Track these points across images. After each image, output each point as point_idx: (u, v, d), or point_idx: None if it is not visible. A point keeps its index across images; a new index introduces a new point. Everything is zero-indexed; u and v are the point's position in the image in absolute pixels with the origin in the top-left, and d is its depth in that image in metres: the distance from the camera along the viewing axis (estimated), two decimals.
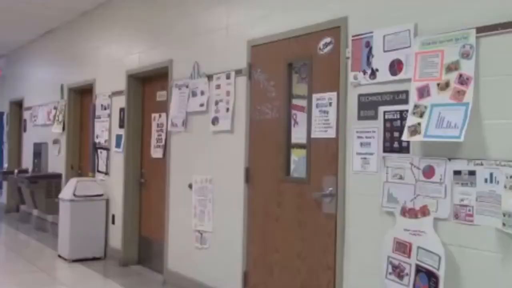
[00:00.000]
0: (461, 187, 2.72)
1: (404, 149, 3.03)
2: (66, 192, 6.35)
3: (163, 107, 5.58)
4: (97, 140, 6.81)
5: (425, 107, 2.85)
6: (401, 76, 3.06)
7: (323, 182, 3.55)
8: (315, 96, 3.67)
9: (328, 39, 3.58)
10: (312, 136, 3.68)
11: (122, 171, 6.15)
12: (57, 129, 7.97)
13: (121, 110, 6.26)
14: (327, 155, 3.54)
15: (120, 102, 6.27)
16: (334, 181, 3.47)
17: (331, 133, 3.53)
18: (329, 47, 3.57)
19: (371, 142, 3.23)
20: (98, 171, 6.73)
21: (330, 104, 3.54)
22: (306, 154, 3.75)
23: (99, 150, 6.74)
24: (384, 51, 3.17)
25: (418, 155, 2.95)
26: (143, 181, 6.09)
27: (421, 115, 2.85)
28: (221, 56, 4.63)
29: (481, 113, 2.66)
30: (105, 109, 6.65)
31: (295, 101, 3.91)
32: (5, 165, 10.60)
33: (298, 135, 3.85)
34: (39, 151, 8.63)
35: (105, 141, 6.60)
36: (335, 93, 3.50)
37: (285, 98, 3.95)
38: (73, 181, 6.43)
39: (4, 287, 5.19)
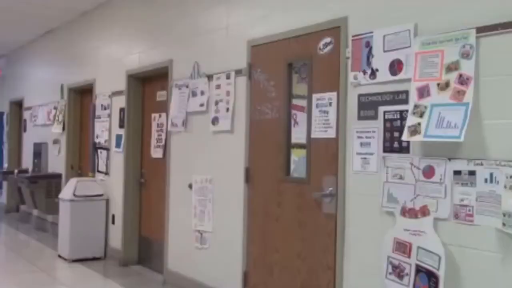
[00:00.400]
0: (461, 187, 2.72)
1: (404, 149, 3.03)
2: (66, 192, 6.35)
3: (163, 107, 5.58)
4: (97, 140, 6.81)
5: (425, 107, 2.85)
6: (401, 76, 3.06)
7: (323, 182, 3.55)
8: (315, 96, 3.67)
9: (328, 39, 3.58)
10: (312, 136, 3.68)
11: (122, 171, 6.15)
12: (57, 129, 7.97)
13: (121, 110, 6.26)
14: (327, 155, 3.54)
15: (120, 102, 6.27)
16: (334, 181, 3.47)
17: (331, 133, 3.53)
18: (329, 47, 3.57)
19: (371, 142, 3.23)
20: (98, 171, 6.73)
21: (330, 104, 3.54)
22: (306, 154, 3.75)
23: (99, 150, 6.74)
24: (384, 51, 3.17)
25: (418, 155, 2.95)
26: (143, 181, 6.09)
27: (421, 115, 2.86)
28: (221, 56, 4.63)
29: (481, 113, 2.66)
30: (105, 109, 6.65)
31: (295, 101, 3.91)
32: (5, 165, 10.60)
33: (298, 135, 3.85)
34: (39, 151, 8.63)
35: (105, 141, 6.60)
36: (335, 93, 3.50)
37: (285, 98, 3.95)
38: (73, 181, 6.43)
39: (4, 287, 5.19)
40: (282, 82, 3.96)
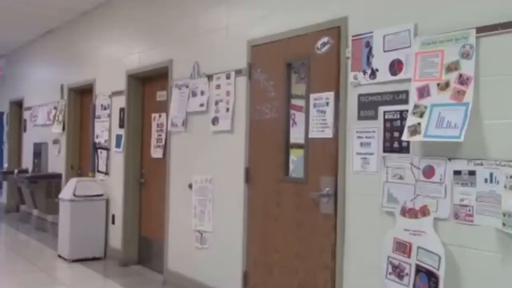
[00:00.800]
0: (461, 187, 2.72)
1: (404, 149, 3.03)
2: (66, 192, 6.35)
3: (163, 107, 5.58)
4: (97, 140, 6.81)
5: (425, 107, 2.85)
6: (401, 76, 3.06)
7: (321, 182, 3.54)
8: (312, 96, 3.66)
9: (325, 39, 3.56)
10: (310, 136, 3.67)
11: (122, 171, 6.15)
12: (57, 129, 7.97)
13: (121, 110, 6.26)
14: (324, 155, 3.54)
15: (120, 102, 6.27)
16: (331, 181, 3.46)
17: (328, 133, 3.52)
18: (326, 47, 3.56)
19: (371, 142, 3.23)
20: (98, 171, 6.73)
21: (327, 104, 3.53)
22: (304, 154, 3.74)
23: (99, 150, 6.74)
24: (384, 51, 3.17)
25: (418, 155, 2.95)
26: (143, 181, 6.09)
27: (421, 115, 2.85)
28: (221, 56, 4.63)
29: (481, 113, 2.66)
30: (105, 109, 6.65)
31: (294, 101, 3.90)
32: (5, 165, 10.60)
33: (297, 135, 3.85)
34: (39, 151, 8.63)
35: (105, 141, 6.60)
36: (332, 93, 3.49)
37: (284, 98, 3.94)
38: (73, 181, 6.43)
39: (4, 287, 5.19)
40: (281, 82, 3.96)
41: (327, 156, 3.52)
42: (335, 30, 3.51)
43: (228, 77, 4.51)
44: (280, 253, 3.91)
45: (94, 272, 5.80)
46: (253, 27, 4.27)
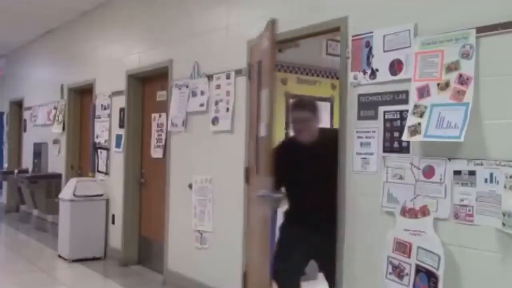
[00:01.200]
0: (461, 187, 2.72)
1: (404, 149, 3.03)
2: (66, 192, 6.35)
3: (163, 107, 5.58)
4: (97, 140, 6.81)
5: (425, 107, 2.85)
6: (401, 76, 3.06)
7: (261, 183, 3.41)
8: (262, 92, 3.58)
9: (267, 33, 3.44)
10: (259, 134, 3.59)
11: (122, 171, 6.15)
12: (57, 129, 7.97)
13: (121, 110, 6.25)
14: (263, 156, 3.41)
15: (120, 102, 6.27)
16: (266, 182, 3.29)
17: (263, 131, 3.37)
18: (267, 42, 3.43)
19: (371, 142, 3.23)
20: (98, 171, 6.73)
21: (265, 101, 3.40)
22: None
23: (99, 150, 6.74)
24: (384, 51, 3.16)
25: (418, 155, 2.95)
26: (143, 181, 6.09)
27: (421, 115, 2.85)
28: (221, 56, 4.63)
29: (481, 113, 2.66)
30: (105, 109, 6.65)
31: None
32: (5, 165, 10.60)
33: None
34: (39, 151, 8.62)
35: (105, 141, 6.60)
36: (267, 90, 3.38)
37: (256, 96, 3.87)
38: (73, 181, 6.43)
39: (4, 287, 5.19)
40: (255, 80, 3.91)
41: (264, 156, 3.39)
42: (268, 23, 3.36)
43: (228, 77, 4.50)
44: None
45: (94, 272, 5.80)
46: (253, 27, 4.26)
